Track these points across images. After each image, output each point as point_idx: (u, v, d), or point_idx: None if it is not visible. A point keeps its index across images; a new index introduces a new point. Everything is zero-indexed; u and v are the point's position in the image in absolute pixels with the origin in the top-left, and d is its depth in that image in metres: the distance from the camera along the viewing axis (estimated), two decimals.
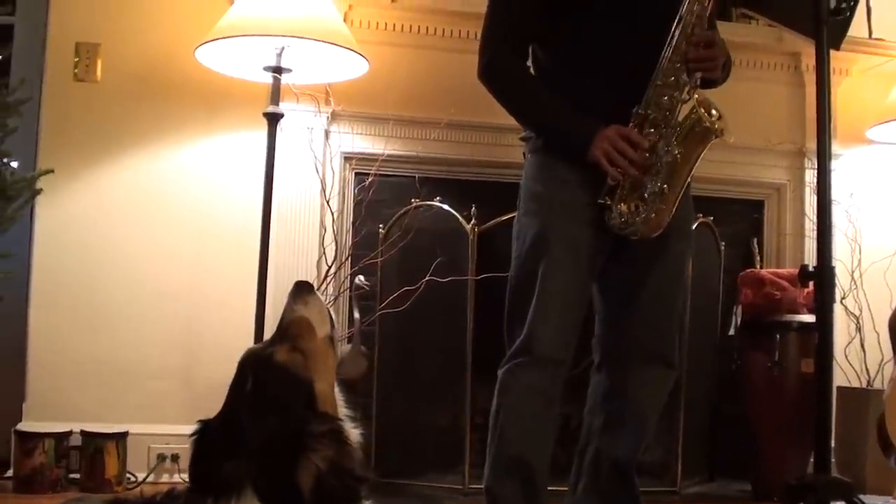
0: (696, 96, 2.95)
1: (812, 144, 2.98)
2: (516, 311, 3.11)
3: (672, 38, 2.96)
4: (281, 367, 1.96)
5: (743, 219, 5.31)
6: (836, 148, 4.82)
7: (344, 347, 4.43)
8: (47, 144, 4.45)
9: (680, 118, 2.96)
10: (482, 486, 3.17)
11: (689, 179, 3.03)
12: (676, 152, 2.93)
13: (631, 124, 2.98)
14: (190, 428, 1.96)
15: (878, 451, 3.85)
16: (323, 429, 1.88)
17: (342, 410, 2.04)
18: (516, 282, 3.15)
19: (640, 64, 2.99)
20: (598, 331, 3.29)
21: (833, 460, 3.82)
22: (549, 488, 3.14)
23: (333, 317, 2.17)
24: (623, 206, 2.97)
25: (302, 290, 2.12)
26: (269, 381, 1.94)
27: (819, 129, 2.82)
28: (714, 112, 2.95)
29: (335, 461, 1.85)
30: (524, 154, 3.29)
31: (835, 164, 4.01)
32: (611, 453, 3.19)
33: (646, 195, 2.95)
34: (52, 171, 3.99)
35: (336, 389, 2.06)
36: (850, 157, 5.24)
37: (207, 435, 1.92)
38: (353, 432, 1.99)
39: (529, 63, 3.23)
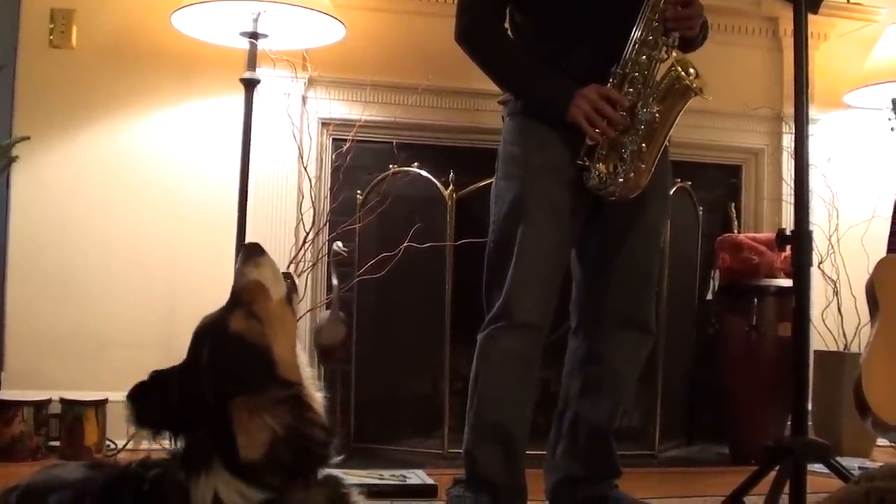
0: (674, 55, 2.95)
1: (790, 109, 2.99)
2: (495, 276, 3.12)
3: None
4: (236, 337, 1.90)
5: (721, 184, 5.32)
6: (813, 113, 4.83)
7: (322, 314, 4.44)
8: (23, 112, 4.41)
9: (658, 77, 2.97)
10: (462, 451, 3.19)
11: (667, 139, 3.03)
12: (655, 111, 2.94)
13: (610, 83, 2.99)
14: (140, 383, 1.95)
15: (855, 413, 3.89)
16: (281, 395, 1.84)
17: (305, 371, 1.97)
18: (495, 246, 3.16)
19: (619, 23, 3.00)
20: (575, 295, 3.30)
21: (810, 423, 3.86)
22: (528, 452, 3.17)
23: (296, 280, 2.12)
24: (602, 167, 2.98)
25: (252, 252, 2.04)
26: (224, 351, 1.89)
27: (797, 93, 2.82)
28: (692, 70, 2.95)
29: (294, 427, 1.82)
30: (502, 117, 3.29)
31: (812, 129, 4.03)
32: (589, 417, 3.21)
33: (625, 155, 2.96)
34: (28, 138, 3.97)
35: (299, 351, 2.00)
36: (828, 122, 5.25)
37: (158, 387, 1.91)
38: (317, 395, 1.94)
39: (506, 25, 3.23)
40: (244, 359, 1.88)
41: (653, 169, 3.00)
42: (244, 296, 1.96)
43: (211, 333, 1.93)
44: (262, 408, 1.80)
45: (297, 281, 2.08)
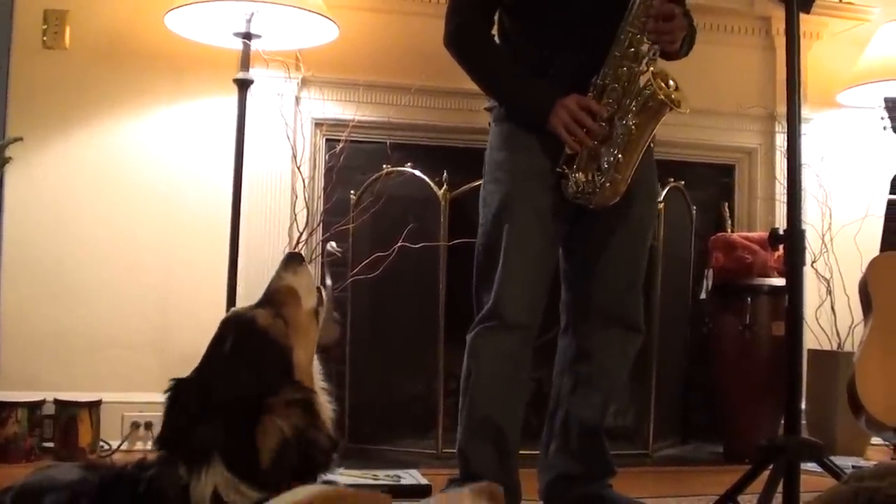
0: (652, 69, 2.98)
1: (783, 109, 2.99)
2: (484, 278, 3.17)
3: (632, 8, 2.98)
4: (262, 331, 1.97)
5: (714, 183, 5.33)
6: (806, 112, 4.86)
7: None
8: (16, 113, 4.39)
9: (637, 89, 2.99)
10: (455, 451, 3.20)
11: (644, 149, 3.06)
12: (632, 124, 2.97)
13: (589, 94, 3.02)
14: (164, 396, 1.96)
15: (849, 412, 3.89)
16: (295, 397, 1.89)
17: (318, 383, 2.05)
18: (483, 249, 3.20)
19: (607, 30, 3.02)
20: (564, 295, 3.33)
21: (804, 422, 3.86)
22: (522, 452, 3.18)
23: (323, 293, 2.18)
24: (580, 176, 3.03)
25: (293, 260, 2.14)
26: (248, 342, 1.95)
27: (789, 93, 2.83)
28: (671, 83, 2.98)
29: (301, 431, 1.86)
30: (489, 123, 3.32)
31: (805, 129, 4.04)
32: (579, 414, 3.24)
33: (602, 165, 3.00)
34: (21, 139, 3.96)
35: (315, 362, 2.07)
36: (821, 122, 5.26)
37: (181, 394, 1.93)
38: (327, 406, 2.01)
39: (494, 31, 3.26)
40: (265, 352, 1.95)
41: (629, 179, 3.03)
42: (276, 297, 2.06)
43: (237, 324, 2.00)
44: (276, 409, 1.84)
45: (324, 295, 2.15)
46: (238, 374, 1.88)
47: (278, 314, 2.00)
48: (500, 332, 3.10)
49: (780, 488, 2.67)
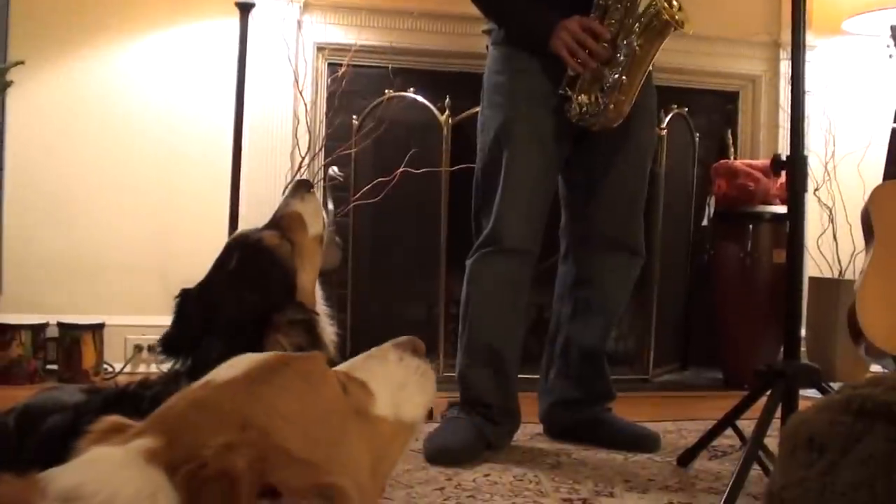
0: None
1: (788, 36, 2.97)
2: (483, 202, 3.15)
3: None
4: (267, 251, 2.00)
5: (718, 110, 5.31)
6: (811, 39, 4.80)
7: None
8: (17, 36, 4.37)
9: (640, 10, 2.96)
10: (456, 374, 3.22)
11: (648, 70, 3.03)
12: (636, 45, 2.94)
13: (592, 14, 2.98)
14: (166, 319, 1.98)
15: (848, 340, 3.91)
16: (297, 317, 1.91)
17: (321, 307, 2.06)
18: (482, 173, 3.19)
19: None
20: (564, 220, 3.32)
21: (804, 349, 3.87)
22: (522, 376, 3.20)
23: (326, 219, 2.20)
24: (583, 97, 2.99)
25: (301, 187, 2.17)
26: (254, 260, 1.97)
27: (794, 20, 2.80)
28: (675, 3, 2.94)
29: (303, 350, 1.87)
30: (487, 46, 3.29)
31: (810, 56, 4.00)
32: (580, 340, 3.25)
33: (605, 86, 2.97)
34: (23, 62, 3.94)
35: (318, 288, 2.09)
36: (826, 49, 5.22)
37: (188, 303, 1.96)
38: (329, 329, 2.03)
39: None
40: (271, 270, 1.98)
41: (633, 100, 3.01)
42: (283, 222, 2.09)
43: (244, 243, 2.03)
44: (279, 326, 1.86)
45: (326, 221, 2.18)
46: (243, 289, 1.91)
47: (284, 237, 2.02)
48: (500, 257, 3.10)
49: (778, 413, 2.69)
